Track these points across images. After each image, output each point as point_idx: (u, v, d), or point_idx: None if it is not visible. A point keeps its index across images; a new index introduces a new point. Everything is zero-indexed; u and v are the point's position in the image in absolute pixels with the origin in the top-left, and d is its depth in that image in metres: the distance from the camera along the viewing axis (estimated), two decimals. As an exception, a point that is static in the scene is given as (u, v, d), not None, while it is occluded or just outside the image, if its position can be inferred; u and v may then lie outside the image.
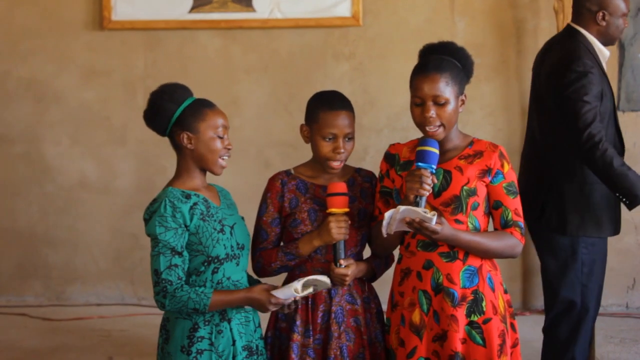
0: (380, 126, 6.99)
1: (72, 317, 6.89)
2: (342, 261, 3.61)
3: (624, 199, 4.55)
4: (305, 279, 3.47)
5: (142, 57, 7.17)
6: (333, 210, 3.59)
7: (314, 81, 6.96)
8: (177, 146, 3.61)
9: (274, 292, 3.45)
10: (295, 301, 3.56)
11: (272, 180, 3.79)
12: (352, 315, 3.70)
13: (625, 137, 6.81)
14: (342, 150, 3.66)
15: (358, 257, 3.77)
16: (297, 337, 3.68)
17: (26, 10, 7.22)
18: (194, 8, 7.03)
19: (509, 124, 6.94)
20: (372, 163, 6.61)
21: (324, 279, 3.49)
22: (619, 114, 6.78)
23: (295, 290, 3.43)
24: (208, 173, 3.64)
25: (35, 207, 7.32)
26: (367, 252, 3.85)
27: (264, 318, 3.77)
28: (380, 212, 3.71)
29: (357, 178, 3.82)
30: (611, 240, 6.83)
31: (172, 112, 3.56)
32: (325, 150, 3.67)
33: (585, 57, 4.56)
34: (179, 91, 3.61)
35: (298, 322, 3.69)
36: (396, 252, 3.78)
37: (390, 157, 3.74)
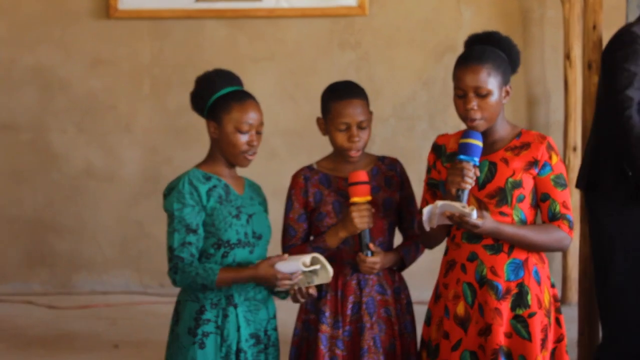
0: (386, 115, 6.99)
1: (78, 305, 6.90)
2: (371, 245, 3.58)
3: (632, 173, 4.44)
4: (313, 255, 3.45)
5: (148, 46, 7.17)
6: (355, 199, 3.56)
7: (320, 70, 6.95)
8: (209, 133, 3.62)
9: (278, 265, 3.43)
10: (302, 292, 3.53)
11: (295, 176, 3.78)
12: (383, 306, 3.67)
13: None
14: (357, 139, 3.64)
15: (387, 247, 3.74)
16: (325, 328, 3.65)
17: (32, -2, 7.24)
18: (200, -3, 7.04)
19: (516, 113, 6.93)
20: (378, 152, 6.60)
21: (329, 267, 3.47)
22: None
23: (304, 263, 3.41)
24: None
25: (41, 195, 7.33)
26: (397, 241, 3.83)
27: (292, 310, 3.77)
28: (427, 204, 3.61)
29: (381, 167, 3.80)
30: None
31: (206, 99, 3.58)
32: (341, 140, 3.66)
33: (636, 28, 4.49)
34: (220, 80, 3.62)
35: (327, 314, 3.66)
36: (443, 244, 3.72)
37: (437, 149, 3.66)
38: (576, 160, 6.49)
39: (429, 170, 3.68)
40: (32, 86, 7.26)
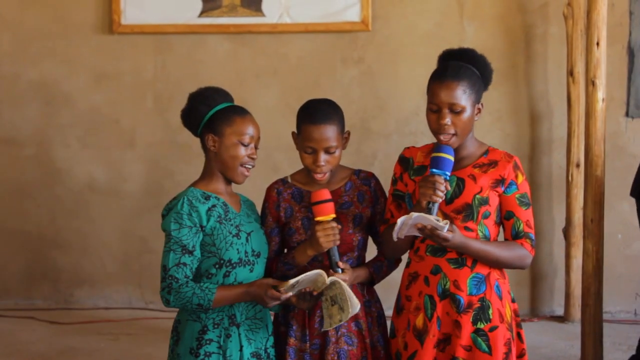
0: (389, 131, 6.99)
1: (80, 320, 6.90)
2: (339, 263, 3.57)
3: None
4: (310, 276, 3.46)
5: (151, 61, 7.18)
6: (319, 218, 3.56)
7: (323, 86, 6.96)
8: (204, 148, 3.63)
9: (294, 280, 3.42)
10: (305, 294, 3.52)
11: (268, 189, 3.80)
12: (353, 320, 3.67)
13: (635, 143, 6.84)
14: (321, 163, 3.62)
15: (357, 262, 3.75)
16: (293, 341, 3.67)
17: (36, 13, 7.24)
18: (204, 12, 7.05)
19: (518, 128, 6.93)
20: (381, 168, 6.60)
21: (354, 301, 3.47)
22: (628, 120, 6.78)
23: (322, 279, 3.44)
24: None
25: (44, 210, 7.34)
26: (370, 255, 3.84)
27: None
28: (392, 215, 3.68)
29: (356, 181, 3.79)
30: (619, 247, 6.86)
31: (204, 113, 3.60)
32: (307, 162, 3.67)
33: None
34: (215, 95, 3.66)
35: (295, 327, 3.68)
36: (405, 256, 3.76)
37: (404, 161, 3.71)
38: (579, 177, 6.49)
39: (394, 182, 3.71)
40: (36, 101, 7.28)
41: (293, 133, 3.76)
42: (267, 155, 7.00)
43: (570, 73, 6.57)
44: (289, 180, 3.80)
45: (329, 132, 3.62)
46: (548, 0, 6.85)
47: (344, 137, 3.72)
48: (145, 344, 6.26)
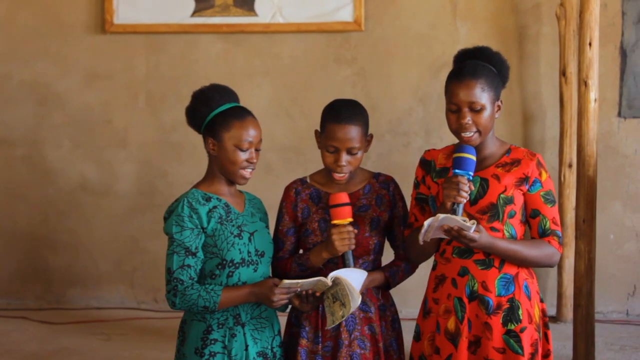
0: (382, 131, 6.98)
1: (72, 320, 6.89)
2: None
3: None
4: (336, 275, 3.46)
5: (144, 61, 7.17)
6: (336, 221, 3.55)
7: (315, 86, 6.96)
8: (207, 150, 3.61)
9: (289, 282, 3.42)
10: (307, 295, 3.52)
11: (287, 189, 3.79)
12: (367, 323, 3.66)
13: (627, 143, 6.85)
14: (342, 164, 3.62)
15: (373, 266, 3.73)
16: (305, 342, 3.66)
17: (28, 13, 7.23)
18: (196, 12, 7.04)
19: (511, 130, 6.93)
20: (374, 168, 6.58)
21: (355, 295, 3.46)
22: (621, 120, 6.79)
23: (323, 282, 3.43)
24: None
25: (36, 210, 7.32)
26: (388, 258, 3.83)
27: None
28: (416, 219, 3.66)
29: (375, 184, 3.78)
30: (612, 247, 6.87)
31: (204, 116, 3.58)
32: (328, 161, 3.65)
33: None
34: (217, 96, 3.61)
35: (307, 328, 3.67)
36: (430, 260, 3.73)
37: (425, 164, 3.68)
38: (572, 177, 6.49)
39: (417, 185, 3.69)
40: (28, 101, 7.26)
41: (316, 131, 3.75)
42: (260, 155, 6.98)
43: (563, 73, 6.58)
44: (308, 180, 3.79)
45: (353, 132, 3.62)
46: (540, 0, 6.85)
47: (367, 139, 3.72)
48: (138, 344, 6.26)
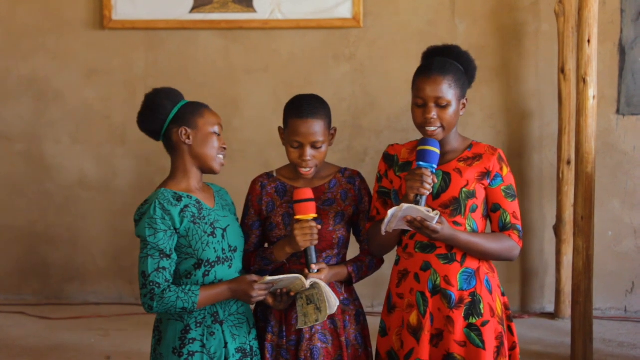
0: (380, 127, 6.99)
1: (70, 315, 6.89)
2: (313, 266, 3.57)
3: None
4: (315, 281, 3.49)
5: (142, 57, 7.17)
6: (299, 217, 3.57)
7: (314, 82, 6.96)
8: (173, 146, 3.61)
9: (271, 278, 3.44)
10: (282, 294, 3.54)
11: (253, 182, 3.81)
12: (328, 318, 3.66)
13: (625, 140, 6.86)
14: (307, 158, 3.64)
15: (337, 260, 3.75)
16: (271, 337, 3.70)
17: (27, 8, 7.22)
18: (195, 8, 7.04)
19: (509, 126, 6.94)
20: (372, 164, 6.61)
21: (332, 301, 3.49)
22: (619, 117, 6.79)
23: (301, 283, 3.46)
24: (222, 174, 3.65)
25: (34, 206, 7.32)
26: (353, 253, 3.84)
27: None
28: (377, 212, 3.70)
29: (341, 179, 3.81)
30: (610, 244, 6.88)
31: (169, 109, 3.58)
32: (293, 156, 3.68)
33: None
34: (174, 92, 3.65)
35: (273, 323, 3.70)
36: (393, 254, 3.76)
37: (389, 158, 3.73)
38: (570, 174, 6.50)
39: (379, 179, 3.74)
40: (27, 96, 7.26)
41: (280, 128, 3.77)
42: (259, 151, 7.00)
43: (562, 70, 6.58)
44: (275, 174, 3.82)
45: (316, 126, 3.65)
46: (539, -3, 6.87)
47: (331, 133, 3.74)
48: (136, 340, 6.26)
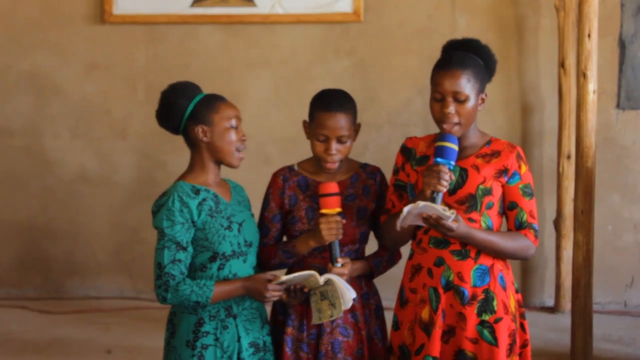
0: (380, 122, 6.99)
1: (71, 310, 6.90)
2: (339, 259, 3.58)
3: None
4: (329, 277, 3.50)
5: (143, 51, 7.17)
6: (324, 211, 3.58)
7: (314, 77, 6.96)
8: (192, 142, 3.60)
9: (286, 278, 3.45)
10: (296, 290, 3.55)
11: (274, 176, 3.80)
12: (349, 311, 3.67)
13: (625, 135, 6.86)
14: (332, 152, 3.64)
15: (357, 255, 3.75)
16: (291, 330, 3.69)
17: (28, 3, 7.22)
18: (195, 2, 7.04)
19: (509, 121, 6.94)
20: (372, 159, 6.57)
21: (347, 296, 3.50)
22: (619, 112, 6.79)
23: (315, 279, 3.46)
24: (224, 168, 3.64)
25: (35, 200, 7.33)
26: (371, 248, 3.84)
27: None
28: (393, 205, 3.67)
29: (362, 174, 3.80)
30: (610, 238, 6.88)
31: (185, 107, 3.57)
32: (318, 150, 3.67)
33: None
34: (190, 88, 3.64)
35: (293, 316, 3.70)
36: (407, 248, 3.75)
37: (406, 151, 3.69)
38: (570, 168, 6.50)
39: (396, 172, 3.71)
40: (27, 91, 7.26)
41: (304, 122, 3.77)
42: (259, 146, 7.00)
43: (562, 65, 6.58)
44: (296, 168, 3.80)
45: (343, 121, 3.65)
46: (539, -8, 6.87)
47: (355, 128, 3.74)
48: (137, 334, 6.27)
